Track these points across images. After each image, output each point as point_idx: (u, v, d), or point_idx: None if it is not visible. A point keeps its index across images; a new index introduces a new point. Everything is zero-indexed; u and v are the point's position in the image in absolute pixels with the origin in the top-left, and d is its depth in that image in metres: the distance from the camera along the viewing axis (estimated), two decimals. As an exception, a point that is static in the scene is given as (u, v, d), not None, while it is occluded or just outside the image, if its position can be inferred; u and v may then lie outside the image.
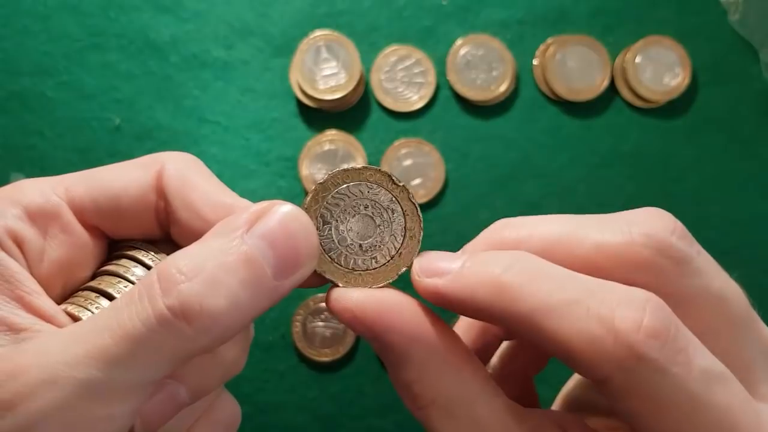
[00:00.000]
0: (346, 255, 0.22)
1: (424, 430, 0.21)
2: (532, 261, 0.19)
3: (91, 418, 0.17)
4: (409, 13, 0.47)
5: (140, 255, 0.22)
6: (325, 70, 0.46)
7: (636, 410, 0.18)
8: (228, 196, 0.21)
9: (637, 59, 0.46)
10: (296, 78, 0.46)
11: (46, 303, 0.20)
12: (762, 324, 0.21)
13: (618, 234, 0.19)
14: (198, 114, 0.47)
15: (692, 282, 0.19)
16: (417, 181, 0.46)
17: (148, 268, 0.22)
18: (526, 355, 0.28)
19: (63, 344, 0.17)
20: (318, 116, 0.47)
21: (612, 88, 0.47)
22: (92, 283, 0.22)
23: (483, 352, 0.27)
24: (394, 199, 0.22)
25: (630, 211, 0.20)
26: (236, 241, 0.18)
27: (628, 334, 0.17)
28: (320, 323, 0.46)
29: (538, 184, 0.47)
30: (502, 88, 0.47)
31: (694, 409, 0.17)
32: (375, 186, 0.22)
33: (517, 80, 0.47)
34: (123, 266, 0.22)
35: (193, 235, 0.20)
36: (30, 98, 0.47)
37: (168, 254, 0.22)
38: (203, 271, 0.17)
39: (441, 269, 0.20)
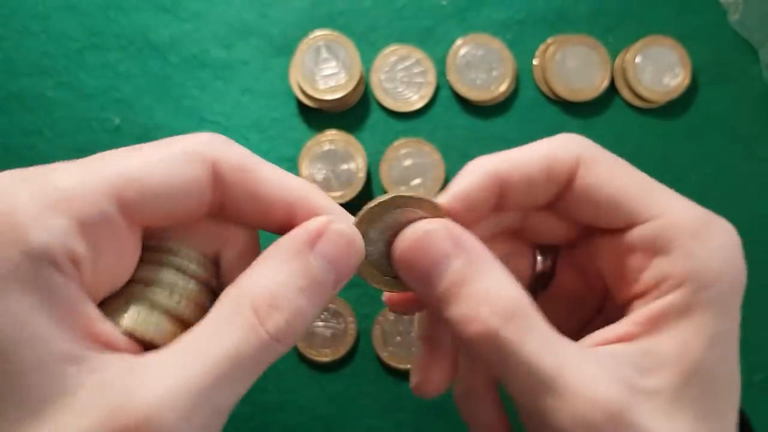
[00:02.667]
0: (381, 263, 0.24)
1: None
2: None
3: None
4: (409, 13, 0.47)
5: (184, 263, 0.22)
6: (325, 70, 0.46)
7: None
8: (294, 190, 0.22)
9: (637, 59, 0.46)
10: (296, 78, 0.46)
11: (105, 328, 0.20)
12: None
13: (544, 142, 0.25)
14: (198, 114, 0.47)
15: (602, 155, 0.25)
16: (417, 181, 0.46)
17: (191, 275, 0.22)
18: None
19: (177, 371, 0.19)
20: (318, 116, 0.47)
21: (612, 88, 0.47)
22: (144, 293, 0.21)
23: None
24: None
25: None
26: (305, 265, 0.21)
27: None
28: (320, 323, 0.46)
29: (538, 184, 0.47)
30: (502, 88, 0.47)
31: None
32: (419, 211, 0.23)
33: (517, 80, 0.47)
34: (168, 280, 0.22)
35: (248, 219, 0.22)
36: (29, 98, 0.47)
37: (199, 243, 0.23)
38: (288, 302, 0.20)
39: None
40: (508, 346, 0.20)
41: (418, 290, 0.23)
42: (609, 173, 0.24)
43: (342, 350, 0.46)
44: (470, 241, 0.22)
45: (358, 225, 0.23)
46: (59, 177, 0.19)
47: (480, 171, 0.24)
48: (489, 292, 0.21)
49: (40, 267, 0.17)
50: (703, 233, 0.22)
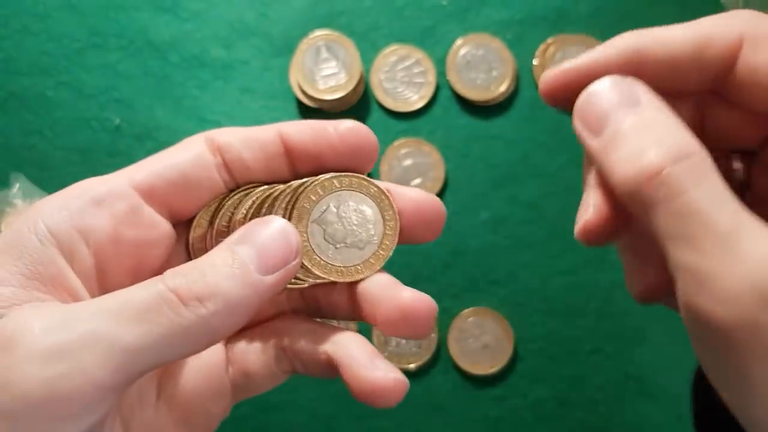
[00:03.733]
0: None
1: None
2: None
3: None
4: (410, 13, 0.47)
5: None
6: (325, 70, 0.46)
7: None
8: None
9: (637, 59, 0.47)
10: (296, 78, 0.46)
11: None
12: None
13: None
14: (198, 114, 0.47)
15: None
16: (417, 181, 0.46)
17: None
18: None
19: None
20: (318, 116, 0.47)
21: (612, 88, 0.47)
22: None
23: None
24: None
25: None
26: (223, 249, 0.21)
27: None
28: (320, 323, 0.46)
29: (538, 184, 0.47)
30: (502, 88, 0.47)
31: None
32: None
33: (517, 80, 0.47)
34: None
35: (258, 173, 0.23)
36: (30, 98, 0.47)
37: None
38: (196, 271, 0.20)
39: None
40: (675, 186, 0.18)
41: (584, 139, 0.21)
42: None
43: (342, 350, 0.46)
44: (644, 92, 0.21)
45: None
46: (84, 181, 0.21)
47: (616, 45, 0.22)
48: (660, 136, 0.19)
49: (42, 242, 0.20)
50: None
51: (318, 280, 0.23)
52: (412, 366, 0.46)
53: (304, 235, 0.23)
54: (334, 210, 0.23)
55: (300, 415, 0.46)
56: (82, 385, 0.17)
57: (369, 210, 0.24)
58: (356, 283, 0.24)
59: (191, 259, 0.23)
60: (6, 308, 0.19)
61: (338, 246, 0.23)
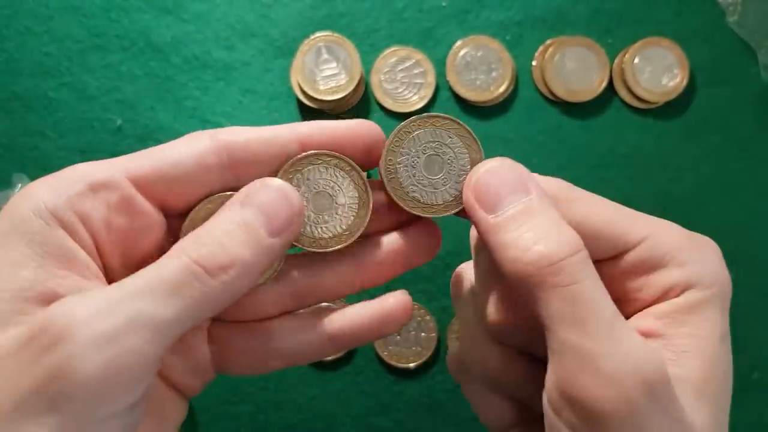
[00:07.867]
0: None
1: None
2: None
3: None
4: (409, 14, 0.48)
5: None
6: (325, 71, 0.46)
7: None
8: None
9: (636, 60, 0.47)
10: (297, 79, 0.46)
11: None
12: None
13: None
14: (199, 115, 0.47)
15: None
16: (417, 182, 0.47)
17: None
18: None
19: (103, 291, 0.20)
20: (318, 117, 0.47)
21: (610, 89, 0.48)
22: None
23: None
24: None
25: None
26: (233, 212, 0.22)
27: None
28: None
29: (537, 185, 0.47)
30: (502, 89, 0.47)
31: None
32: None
33: (516, 81, 0.48)
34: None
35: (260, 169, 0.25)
36: (32, 99, 0.47)
37: None
38: (212, 238, 0.21)
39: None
40: (572, 275, 0.21)
41: (475, 215, 0.24)
42: (588, 208, 0.24)
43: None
44: (535, 183, 0.24)
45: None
46: (79, 165, 0.22)
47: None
48: (554, 227, 0.22)
49: (48, 224, 0.21)
50: (691, 246, 0.23)
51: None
52: (412, 365, 0.46)
53: None
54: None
55: (300, 413, 0.46)
56: (135, 363, 0.19)
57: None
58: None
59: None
60: (28, 289, 0.20)
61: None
